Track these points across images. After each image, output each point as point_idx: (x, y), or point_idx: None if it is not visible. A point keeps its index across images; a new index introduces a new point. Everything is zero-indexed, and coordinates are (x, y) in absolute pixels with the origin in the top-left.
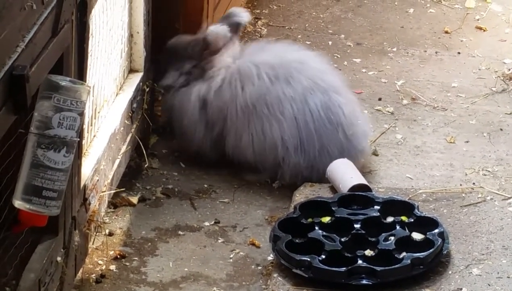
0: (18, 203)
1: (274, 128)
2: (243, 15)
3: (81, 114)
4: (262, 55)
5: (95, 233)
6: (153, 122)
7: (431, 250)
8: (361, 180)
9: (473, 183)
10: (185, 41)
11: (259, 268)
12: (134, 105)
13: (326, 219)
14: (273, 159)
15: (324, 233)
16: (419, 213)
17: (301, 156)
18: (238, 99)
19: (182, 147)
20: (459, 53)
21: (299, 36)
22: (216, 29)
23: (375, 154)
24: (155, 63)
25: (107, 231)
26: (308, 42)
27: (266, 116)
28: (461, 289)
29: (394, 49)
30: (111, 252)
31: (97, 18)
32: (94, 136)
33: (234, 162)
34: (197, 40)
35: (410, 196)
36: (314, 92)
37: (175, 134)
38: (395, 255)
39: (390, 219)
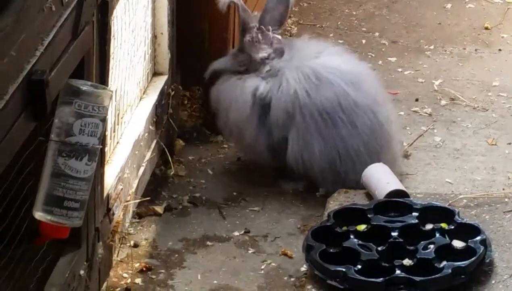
0: (38, 215)
1: (351, 137)
2: None
3: (104, 120)
4: (328, 59)
5: (119, 245)
6: (179, 127)
7: (473, 259)
8: (398, 186)
9: None
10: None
11: (292, 279)
12: (159, 110)
13: (362, 227)
14: (341, 170)
15: (360, 242)
16: (459, 219)
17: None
18: (308, 103)
19: (230, 141)
20: (500, 50)
21: (331, 35)
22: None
23: (406, 156)
24: None
25: (132, 243)
26: (341, 41)
27: (341, 124)
28: None
29: (431, 47)
30: (137, 265)
31: (119, 19)
32: (117, 143)
33: (268, 167)
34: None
35: (450, 201)
36: (379, 103)
37: (220, 127)
38: (435, 264)
39: (429, 226)
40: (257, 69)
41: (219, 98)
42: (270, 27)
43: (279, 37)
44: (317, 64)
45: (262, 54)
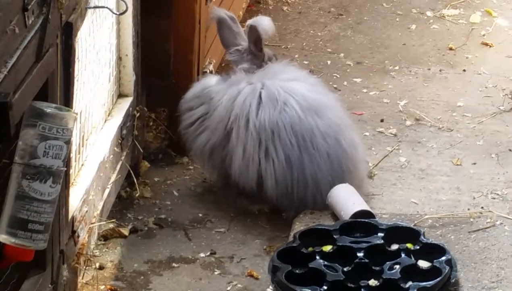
0: (3, 237)
1: (304, 160)
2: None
3: (68, 142)
4: (296, 84)
5: (84, 267)
6: (144, 149)
7: (438, 279)
8: (364, 206)
9: (482, 207)
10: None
11: None
12: (124, 131)
13: (328, 248)
14: (301, 195)
15: (326, 263)
16: (425, 239)
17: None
18: (252, 118)
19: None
20: (464, 70)
21: (296, 56)
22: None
23: (371, 177)
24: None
25: (97, 265)
26: (306, 62)
27: (293, 146)
28: None
29: (396, 68)
30: (102, 287)
31: (83, 41)
32: (82, 165)
33: (232, 187)
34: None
35: (415, 222)
36: (342, 130)
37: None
38: (401, 285)
39: (394, 247)
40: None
41: None
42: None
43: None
44: (277, 85)
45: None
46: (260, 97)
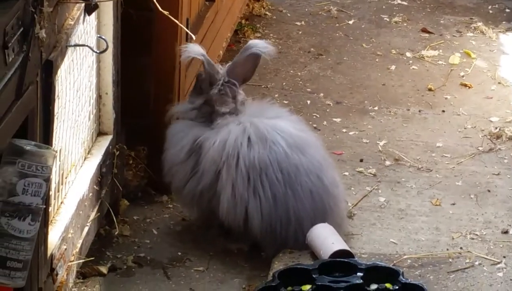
0: None
1: (288, 196)
2: (262, 46)
3: (47, 180)
4: (279, 122)
5: None
6: (124, 187)
7: None
8: (343, 246)
9: (461, 248)
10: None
11: None
12: (103, 169)
13: (307, 287)
14: (283, 232)
15: None
16: (404, 279)
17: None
18: (242, 156)
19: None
20: (443, 111)
21: (276, 95)
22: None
23: (350, 216)
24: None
25: None
26: (286, 102)
27: (280, 182)
28: None
29: (376, 108)
30: None
31: (63, 79)
32: (61, 203)
33: (218, 225)
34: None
35: (394, 261)
36: (324, 168)
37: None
38: None
39: (374, 287)
40: (213, 121)
41: (167, 135)
42: (237, 82)
43: (243, 93)
44: (264, 124)
45: (225, 109)
46: (249, 136)
